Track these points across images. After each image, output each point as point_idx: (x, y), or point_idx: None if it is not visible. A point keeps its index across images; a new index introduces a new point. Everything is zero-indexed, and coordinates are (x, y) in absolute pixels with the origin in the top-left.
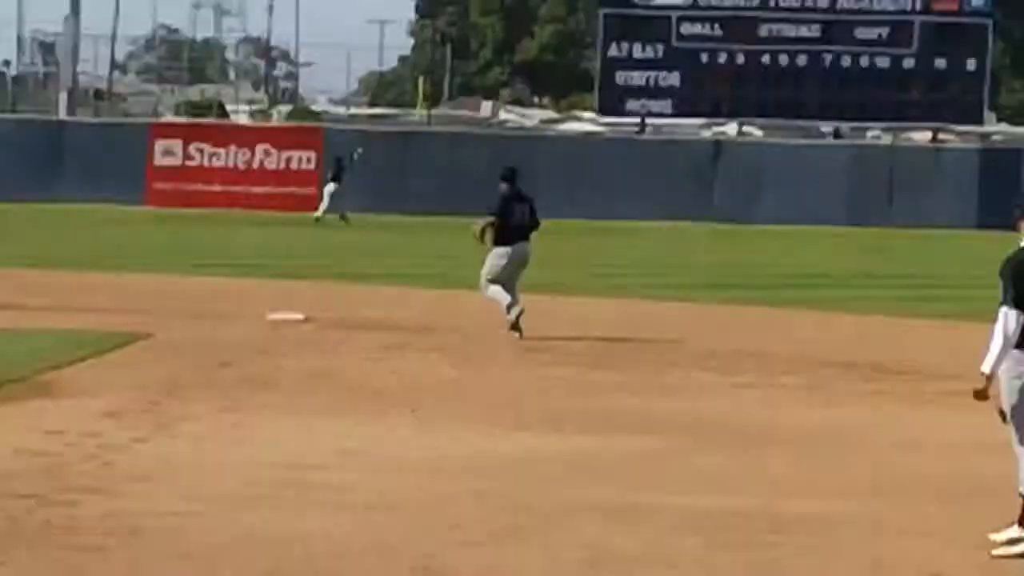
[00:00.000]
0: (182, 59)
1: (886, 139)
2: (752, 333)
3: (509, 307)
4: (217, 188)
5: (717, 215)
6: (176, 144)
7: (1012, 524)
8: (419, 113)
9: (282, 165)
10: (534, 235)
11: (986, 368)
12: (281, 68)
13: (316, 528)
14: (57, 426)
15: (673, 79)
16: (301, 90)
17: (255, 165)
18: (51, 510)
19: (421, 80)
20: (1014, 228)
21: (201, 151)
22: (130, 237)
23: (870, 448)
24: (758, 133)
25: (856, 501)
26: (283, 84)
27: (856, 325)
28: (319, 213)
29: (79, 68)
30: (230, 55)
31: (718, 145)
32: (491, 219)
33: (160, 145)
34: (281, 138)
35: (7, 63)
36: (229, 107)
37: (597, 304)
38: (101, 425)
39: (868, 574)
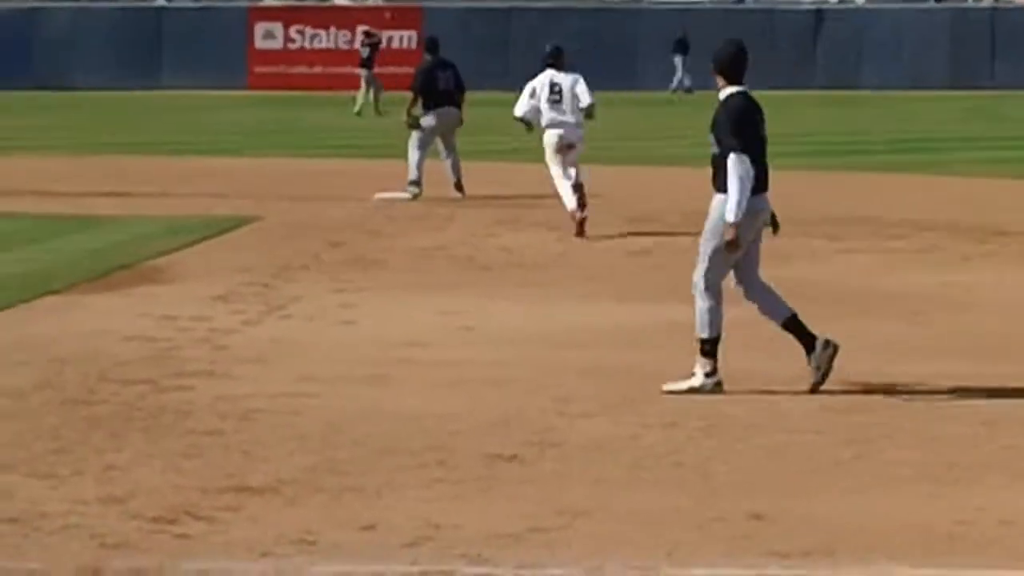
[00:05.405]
0: None
1: (987, 1)
2: (861, 199)
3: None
4: (318, 70)
5: (820, 83)
6: (276, 27)
7: None
8: None
9: (383, 45)
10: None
11: (732, 217)
12: None
13: (430, 405)
14: (167, 311)
15: None
16: None
17: (356, 46)
18: (165, 395)
19: None
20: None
21: (302, 33)
22: (232, 122)
23: (984, 310)
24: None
25: (970, 363)
26: None
27: (964, 188)
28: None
29: None
30: None
31: (819, 13)
32: (412, 99)
33: (260, 28)
34: (382, 18)
35: None
36: None
37: (693, 173)
38: (211, 309)
39: (982, 432)
